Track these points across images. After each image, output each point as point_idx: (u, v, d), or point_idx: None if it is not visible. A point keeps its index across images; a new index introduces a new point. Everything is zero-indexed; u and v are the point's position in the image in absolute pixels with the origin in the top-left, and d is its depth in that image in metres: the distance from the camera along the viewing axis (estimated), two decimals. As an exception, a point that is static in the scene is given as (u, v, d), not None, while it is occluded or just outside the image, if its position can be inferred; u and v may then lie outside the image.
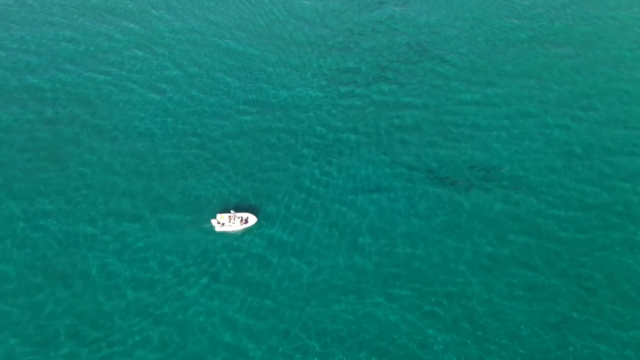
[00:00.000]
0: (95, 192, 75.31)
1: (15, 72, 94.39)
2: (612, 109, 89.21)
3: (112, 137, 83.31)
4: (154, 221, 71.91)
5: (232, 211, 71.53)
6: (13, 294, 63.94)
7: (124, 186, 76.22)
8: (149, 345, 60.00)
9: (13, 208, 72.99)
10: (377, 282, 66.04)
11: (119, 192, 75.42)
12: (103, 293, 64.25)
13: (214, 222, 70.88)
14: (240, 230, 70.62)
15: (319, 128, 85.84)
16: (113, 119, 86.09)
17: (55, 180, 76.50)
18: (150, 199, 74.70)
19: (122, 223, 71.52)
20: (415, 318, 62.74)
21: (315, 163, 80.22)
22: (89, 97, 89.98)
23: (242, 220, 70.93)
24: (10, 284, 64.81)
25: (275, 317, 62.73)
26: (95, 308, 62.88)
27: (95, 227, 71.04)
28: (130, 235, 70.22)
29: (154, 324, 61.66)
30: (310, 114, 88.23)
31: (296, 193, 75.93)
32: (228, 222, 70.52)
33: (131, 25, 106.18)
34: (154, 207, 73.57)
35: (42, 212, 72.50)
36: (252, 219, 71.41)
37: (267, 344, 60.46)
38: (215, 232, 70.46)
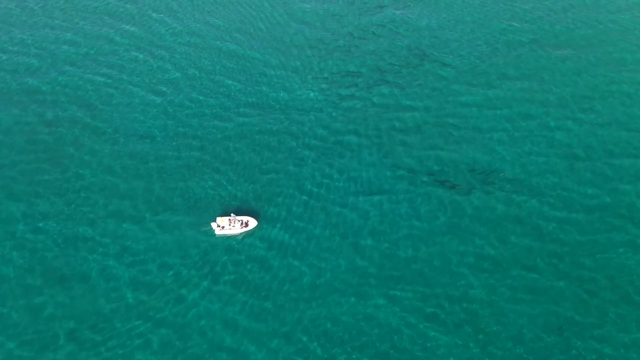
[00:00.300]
0: (95, 194, 75.08)
1: (15, 74, 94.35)
2: (613, 112, 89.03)
3: (112, 139, 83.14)
4: (154, 224, 71.62)
5: (232, 215, 71.16)
6: (12, 296, 63.60)
7: (124, 188, 75.98)
8: (149, 348, 59.58)
9: (12, 210, 72.74)
10: (378, 285, 65.66)
11: (118, 194, 75.17)
12: (103, 296, 63.89)
13: (214, 225, 70.52)
14: (240, 234, 70.27)
15: (319, 131, 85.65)
16: (113, 122, 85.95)
17: (55, 183, 76.29)
18: (150, 201, 74.43)
19: (122, 225, 71.24)
20: (417, 321, 62.33)
21: (316, 165, 79.98)
22: (89, 100, 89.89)
23: (242, 223, 70.58)
24: (9, 287, 64.47)
25: (275, 320, 62.34)
26: (94, 311, 62.51)
27: (95, 229, 70.76)
28: (130, 237, 69.93)
29: (154, 327, 61.27)
30: (311, 116, 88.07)
31: (297, 196, 75.65)
32: (228, 225, 70.15)
33: (131, 28, 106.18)
34: (154, 210, 73.31)
35: (42, 215, 72.24)
36: (253, 222, 71.03)
37: (267, 347, 60.03)
38: (216, 235, 70.10)
